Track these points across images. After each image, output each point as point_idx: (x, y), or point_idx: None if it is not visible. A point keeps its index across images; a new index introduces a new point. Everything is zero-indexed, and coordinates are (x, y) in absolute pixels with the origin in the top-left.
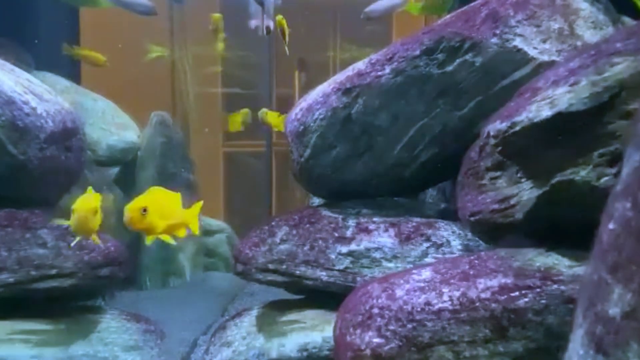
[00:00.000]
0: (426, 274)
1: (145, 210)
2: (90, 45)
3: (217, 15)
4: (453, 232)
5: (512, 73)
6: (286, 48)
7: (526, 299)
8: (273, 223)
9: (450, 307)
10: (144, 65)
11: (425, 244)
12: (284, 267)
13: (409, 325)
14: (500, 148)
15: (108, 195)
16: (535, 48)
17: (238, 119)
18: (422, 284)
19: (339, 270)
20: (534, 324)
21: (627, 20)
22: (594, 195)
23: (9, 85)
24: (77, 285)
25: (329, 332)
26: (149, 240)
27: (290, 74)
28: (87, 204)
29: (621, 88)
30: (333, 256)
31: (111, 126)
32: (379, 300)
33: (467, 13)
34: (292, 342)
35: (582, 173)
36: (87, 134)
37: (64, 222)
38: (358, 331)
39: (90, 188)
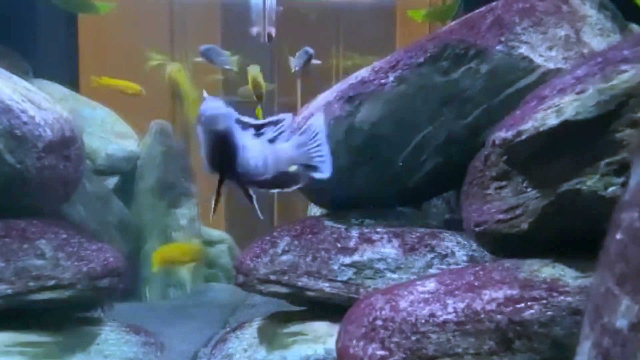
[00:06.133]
0: (430, 285)
1: None
2: (89, 51)
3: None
4: (458, 243)
5: (518, 81)
6: None
7: (532, 311)
8: (275, 233)
9: (455, 319)
10: (144, 73)
11: (430, 255)
12: (286, 278)
13: (413, 338)
14: (505, 157)
15: None
16: (541, 55)
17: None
18: (426, 296)
19: (341, 281)
20: (540, 335)
21: (635, 27)
22: (600, 205)
23: (6, 93)
24: (75, 297)
25: (331, 344)
26: None
27: (292, 82)
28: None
29: (628, 96)
30: (336, 267)
31: (110, 135)
32: (383, 312)
33: (472, 20)
34: (294, 354)
35: (589, 182)
36: (86, 142)
37: None
38: (361, 343)
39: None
